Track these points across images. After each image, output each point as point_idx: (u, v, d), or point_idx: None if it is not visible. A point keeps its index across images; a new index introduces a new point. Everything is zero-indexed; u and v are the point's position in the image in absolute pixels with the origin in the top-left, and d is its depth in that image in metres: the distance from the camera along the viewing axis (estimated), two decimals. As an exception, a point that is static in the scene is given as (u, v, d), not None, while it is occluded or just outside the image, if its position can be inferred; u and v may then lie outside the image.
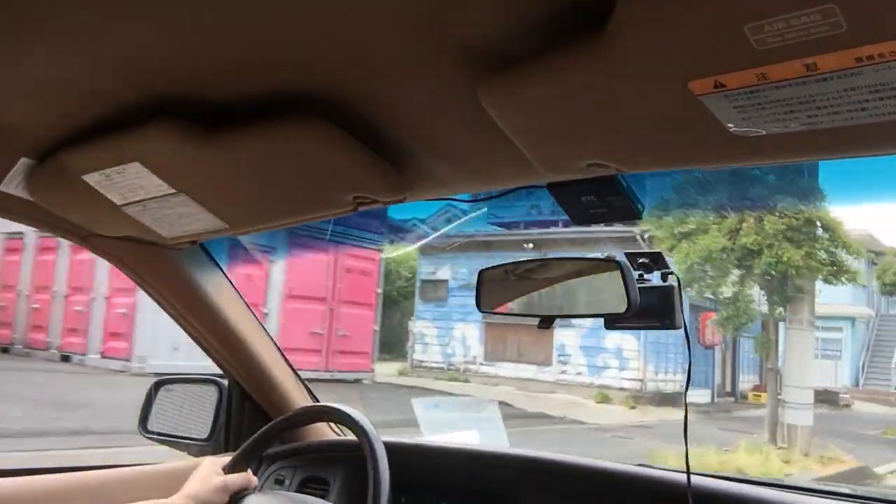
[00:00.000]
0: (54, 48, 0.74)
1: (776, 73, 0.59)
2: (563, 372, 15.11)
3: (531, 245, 12.92)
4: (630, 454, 8.18)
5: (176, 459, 1.68)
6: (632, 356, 14.42)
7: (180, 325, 1.58)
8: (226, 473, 1.22)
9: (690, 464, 1.10)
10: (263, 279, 11.31)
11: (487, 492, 1.39)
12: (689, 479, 1.09)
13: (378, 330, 13.74)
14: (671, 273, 1.09)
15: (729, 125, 0.68)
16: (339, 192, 0.99)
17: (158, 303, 1.55)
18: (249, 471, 1.24)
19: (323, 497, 1.42)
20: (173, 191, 1.00)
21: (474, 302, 1.19)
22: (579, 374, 14.89)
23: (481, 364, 15.98)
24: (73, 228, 1.27)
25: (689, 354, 1.14)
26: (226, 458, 1.25)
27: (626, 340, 14.20)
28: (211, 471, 1.19)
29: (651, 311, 1.07)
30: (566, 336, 15.09)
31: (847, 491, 1.31)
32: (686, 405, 1.37)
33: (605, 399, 14.30)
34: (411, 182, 1.00)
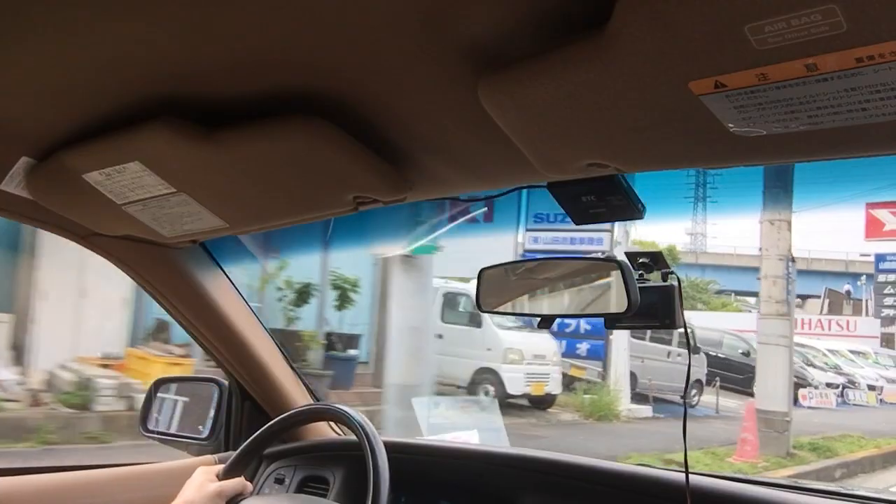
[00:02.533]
0: (54, 48, 0.74)
1: (777, 73, 0.59)
2: None
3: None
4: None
5: (176, 459, 1.69)
6: None
7: (180, 324, 1.58)
8: (223, 475, 1.22)
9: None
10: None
11: (487, 492, 1.39)
12: (687, 478, 1.09)
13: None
14: (671, 272, 1.09)
15: (729, 125, 0.68)
16: (339, 192, 0.99)
17: (159, 302, 1.55)
18: (244, 476, 1.24)
19: (323, 496, 1.43)
20: (173, 190, 1.00)
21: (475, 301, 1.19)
22: None
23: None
24: (73, 228, 1.27)
25: (690, 354, 1.13)
26: (219, 465, 1.25)
27: None
28: (205, 478, 1.20)
29: (651, 310, 1.07)
30: None
31: (847, 491, 1.31)
32: (685, 406, 1.37)
33: None
34: (411, 182, 1.00)
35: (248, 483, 1.24)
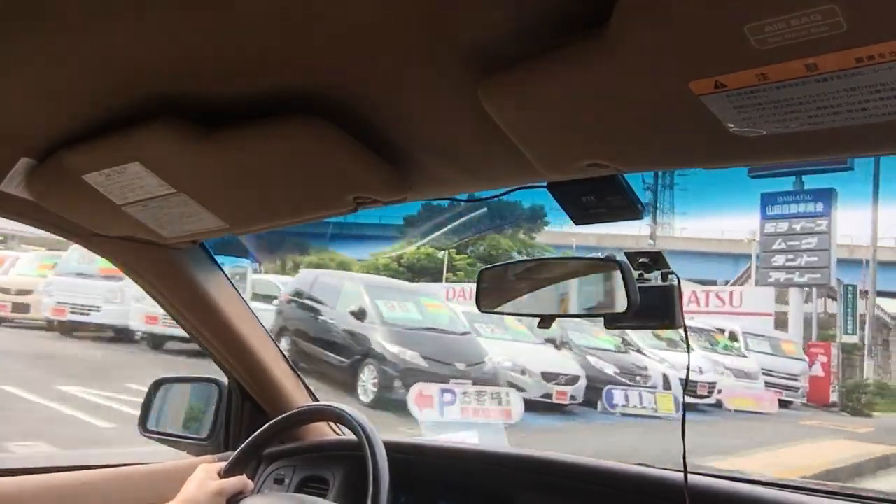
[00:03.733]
0: (54, 48, 0.74)
1: (776, 73, 0.59)
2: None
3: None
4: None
5: (176, 459, 1.69)
6: None
7: (180, 324, 1.59)
8: (223, 475, 1.22)
9: None
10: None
11: (487, 492, 1.39)
12: (686, 477, 1.09)
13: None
14: (671, 272, 1.09)
15: (729, 125, 0.68)
16: (339, 192, 0.99)
17: (159, 302, 1.55)
18: (245, 475, 1.24)
19: (323, 497, 1.43)
20: (173, 190, 1.00)
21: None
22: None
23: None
24: (73, 228, 1.27)
25: (689, 354, 1.14)
26: (221, 464, 1.25)
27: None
28: (206, 476, 1.20)
29: (651, 310, 1.07)
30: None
31: (847, 491, 1.31)
32: (685, 404, 1.37)
33: None
34: (411, 182, 1.00)
35: (250, 481, 1.24)
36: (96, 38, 0.72)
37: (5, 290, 12.12)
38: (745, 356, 13.04)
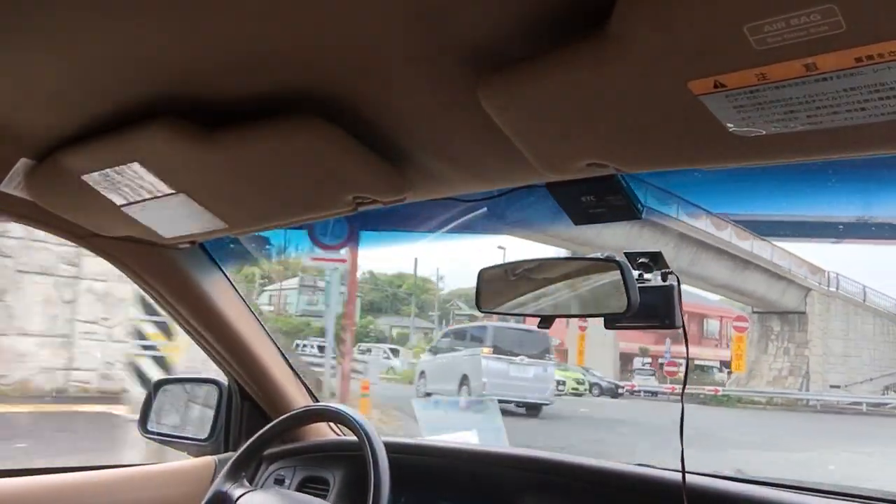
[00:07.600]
0: (54, 48, 0.74)
1: (776, 73, 0.59)
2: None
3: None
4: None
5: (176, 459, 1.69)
6: None
7: (180, 325, 1.58)
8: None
9: None
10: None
11: (487, 492, 1.39)
12: (684, 478, 1.09)
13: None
14: (671, 272, 1.09)
15: (729, 125, 0.68)
16: (338, 192, 0.99)
17: (158, 303, 1.55)
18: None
19: (323, 497, 1.43)
20: (173, 191, 1.00)
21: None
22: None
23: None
24: (72, 229, 1.27)
25: (687, 354, 1.14)
26: None
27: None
28: None
29: (651, 310, 1.07)
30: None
31: (848, 491, 1.30)
32: (683, 404, 1.37)
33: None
34: (411, 182, 1.00)
35: None
36: (96, 38, 0.72)
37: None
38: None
